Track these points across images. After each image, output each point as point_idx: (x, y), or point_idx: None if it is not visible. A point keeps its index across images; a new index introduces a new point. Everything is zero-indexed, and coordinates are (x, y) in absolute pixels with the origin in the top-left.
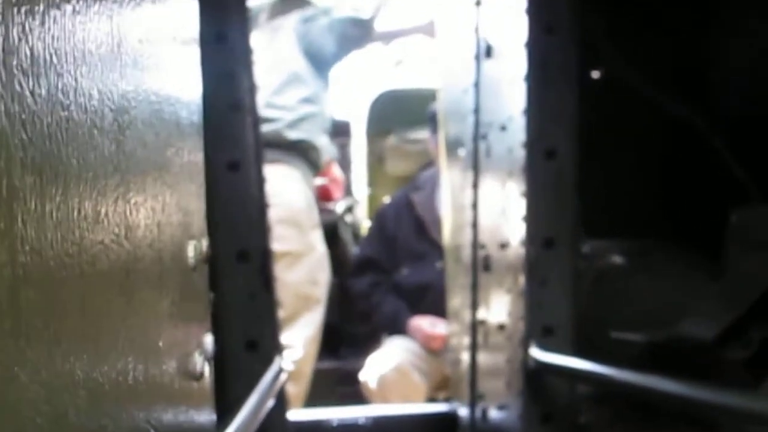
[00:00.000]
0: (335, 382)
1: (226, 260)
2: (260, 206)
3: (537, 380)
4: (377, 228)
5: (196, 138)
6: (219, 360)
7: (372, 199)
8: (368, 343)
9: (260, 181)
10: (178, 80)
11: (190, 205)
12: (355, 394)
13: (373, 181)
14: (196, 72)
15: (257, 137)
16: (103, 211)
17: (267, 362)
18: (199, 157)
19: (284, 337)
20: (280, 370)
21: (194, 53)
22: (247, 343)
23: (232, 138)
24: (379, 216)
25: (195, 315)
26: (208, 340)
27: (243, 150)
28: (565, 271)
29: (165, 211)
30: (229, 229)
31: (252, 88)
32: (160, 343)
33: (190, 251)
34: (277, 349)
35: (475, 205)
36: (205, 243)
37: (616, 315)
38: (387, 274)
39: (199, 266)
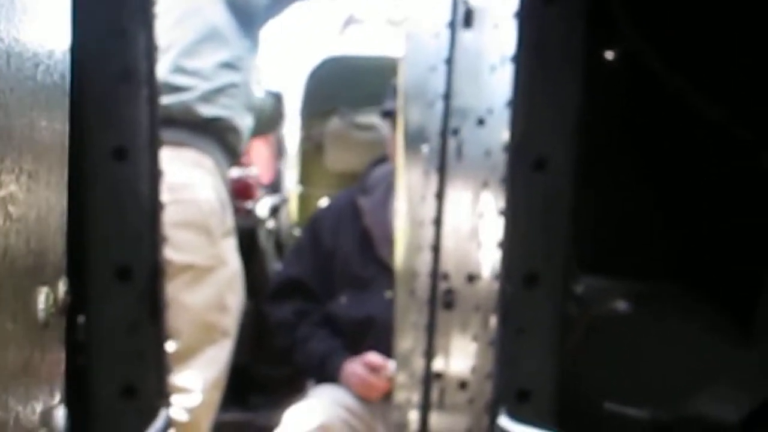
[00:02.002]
0: None
1: (101, 278)
2: (151, 208)
3: None
4: (309, 239)
5: (59, 118)
6: (86, 411)
7: (304, 199)
8: (287, 390)
9: (153, 174)
10: (41, 24)
11: (44, 225)
12: None
13: (306, 177)
14: (64, 17)
15: (153, 116)
16: None
17: (148, 414)
18: (60, 147)
19: (179, 378)
20: (167, 426)
21: None
22: (123, 389)
23: (118, 116)
24: (313, 224)
25: (41, 385)
26: (59, 415)
27: (133, 132)
28: (549, 318)
29: (5, 238)
30: (107, 237)
31: (150, 51)
32: None
33: (41, 302)
34: (162, 396)
35: (437, 222)
36: (62, 286)
37: (612, 380)
38: (318, 301)
39: (53, 321)
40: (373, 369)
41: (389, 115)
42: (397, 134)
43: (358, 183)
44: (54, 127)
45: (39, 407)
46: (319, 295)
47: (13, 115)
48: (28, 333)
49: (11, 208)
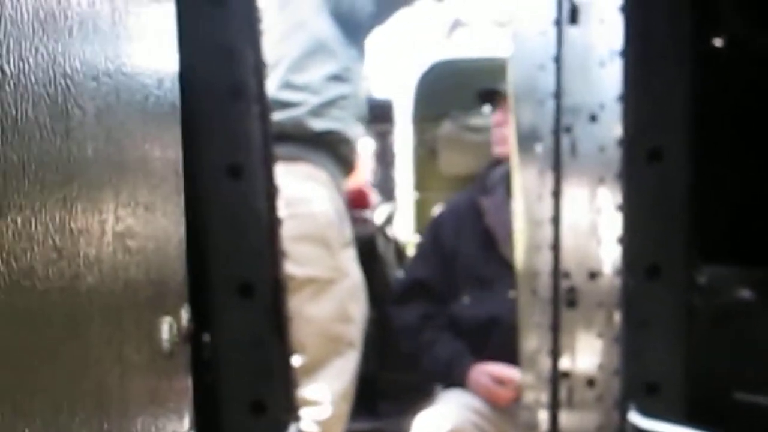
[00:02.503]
0: None
1: (224, 296)
2: (269, 223)
3: None
4: (431, 241)
5: (172, 146)
6: (217, 429)
7: (420, 205)
8: (416, 396)
9: (269, 190)
10: (149, 54)
11: (164, 255)
12: None
13: (421, 183)
14: (171, 43)
15: (266, 132)
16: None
17: (278, 429)
18: (174, 175)
19: (307, 391)
20: None
21: (169, 17)
22: (252, 405)
23: (232, 134)
24: (434, 226)
25: (170, 414)
26: None
27: (247, 149)
28: (673, 310)
29: (125, 271)
30: (228, 255)
31: (258, 68)
32: None
33: (165, 332)
34: (291, 410)
35: (555, 221)
36: (185, 315)
37: (742, 369)
38: (443, 303)
39: (177, 349)
40: (500, 382)
41: (490, 96)
42: (509, 133)
43: (477, 183)
44: (167, 156)
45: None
46: (443, 297)
47: (126, 149)
48: (154, 363)
49: (129, 242)
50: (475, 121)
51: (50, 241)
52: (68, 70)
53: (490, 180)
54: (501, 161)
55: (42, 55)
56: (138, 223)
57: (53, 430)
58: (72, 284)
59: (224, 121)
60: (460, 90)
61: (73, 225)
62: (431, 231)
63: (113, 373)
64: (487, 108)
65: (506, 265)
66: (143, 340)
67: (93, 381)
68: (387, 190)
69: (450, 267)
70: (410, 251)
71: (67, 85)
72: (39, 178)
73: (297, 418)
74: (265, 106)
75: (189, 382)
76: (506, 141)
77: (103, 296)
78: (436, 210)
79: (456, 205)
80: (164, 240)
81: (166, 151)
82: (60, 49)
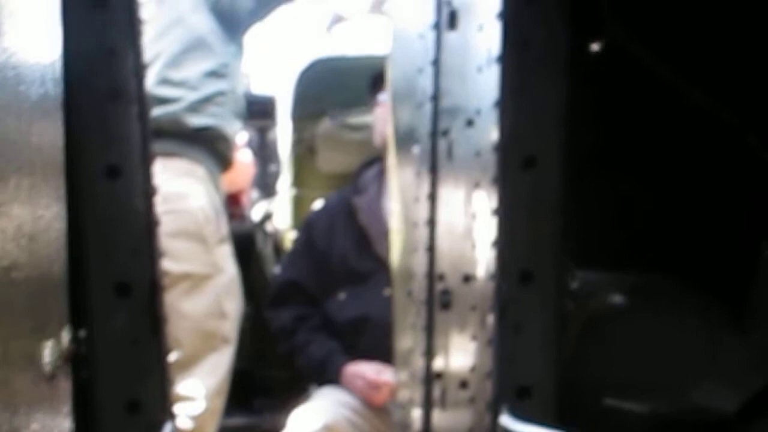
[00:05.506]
0: None
1: (100, 294)
2: (147, 224)
3: None
4: (304, 242)
5: (54, 143)
6: (91, 426)
7: (298, 202)
8: (290, 392)
9: (147, 190)
10: (31, 50)
11: (47, 274)
12: None
13: (299, 180)
14: (54, 40)
15: (144, 132)
16: None
17: (154, 429)
18: (56, 172)
19: (181, 387)
20: None
21: (53, 15)
22: (127, 404)
23: (110, 135)
24: (307, 226)
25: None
26: None
27: (125, 150)
28: (546, 314)
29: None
30: (105, 254)
31: (138, 68)
32: None
33: (47, 356)
34: (166, 409)
35: (431, 223)
36: (66, 336)
37: (611, 375)
38: (317, 303)
39: (60, 371)
40: (374, 386)
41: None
42: (387, 132)
43: (351, 184)
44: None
45: None
46: (317, 298)
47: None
48: (31, 388)
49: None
50: (354, 119)
51: None
52: None
53: (363, 179)
54: (373, 161)
55: None
56: (16, 241)
57: None
58: None
59: (103, 121)
60: (339, 88)
61: None
62: (304, 231)
63: None
64: (381, 95)
65: (381, 263)
66: (25, 365)
67: None
68: (266, 187)
69: (323, 266)
70: (288, 248)
71: None
72: None
73: (172, 417)
74: (145, 106)
75: (70, 401)
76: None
77: None
78: (314, 207)
79: (329, 204)
80: (46, 259)
81: (48, 150)
82: None
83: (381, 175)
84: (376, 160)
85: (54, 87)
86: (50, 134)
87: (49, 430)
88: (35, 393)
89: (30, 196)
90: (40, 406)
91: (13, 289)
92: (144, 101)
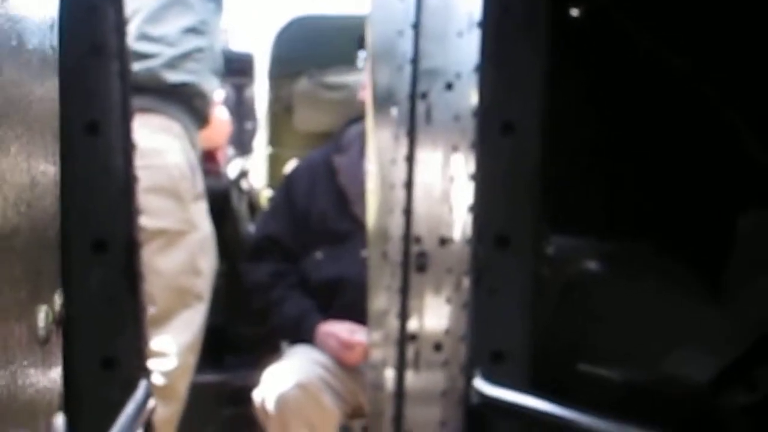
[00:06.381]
0: (219, 401)
1: (77, 251)
2: (125, 181)
3: (480, 420)
4: (284, 198)
5: (51, 99)
6: (66, 383)
7: (273, 160)
8: (263, 350)
9: (126, 147)
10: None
11: (41, 235)
12: (245, 418)
13: (275, 138)
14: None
15: (124, 90)
16: None
17: (129, 386)
18: (51, 128)
19: (154, 342)
20: (147, 396)
21: None
22: (103, 361)
23: (90, 91)
24: (287, 183)
25: (41, 397)
26: (59, 422)
27: (105, 107)
28: (522, 279)
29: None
30: (83, 211)
31: (119, 26)
32: None
33: (41, 320)
34: (141, 367)
35: (408, 185)
36: (58, 300)
37: (586, 341)
38: (294, 261)
39: (52, 334)
40: (348, 346)
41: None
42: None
43: (332, 142)
44: (43, 110)
45: (40, 418)
46: (294, 254)
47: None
48: (26, 353)
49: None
50: (332, 78)
51: None
52: None
53: (344, 139)
54: (356, 120)
55: None
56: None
57: None
58: None
59: (83, 78)
60: (318, 47)
61: None
62: (284, 188)
63: None
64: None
65: (359, 224)
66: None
67: None
68: (242, 144)
69: (302, 224)
70: (263, 206)
71: None
72: None
73: (147, 374)
74: (125, 64)
75: (60, 363)
76: None
77: None
78: (290, 166)
79: (310, 162)
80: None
81: (45, 110)
82: None
83: (364, 135)
84: (359, 118)
85: (51, 42)
86: (48, 92)
87: (43, 393)
88: (31, 357)
89: (28, 158)
90: (35, 370)
91: (14, 256)
92: (125, 58)
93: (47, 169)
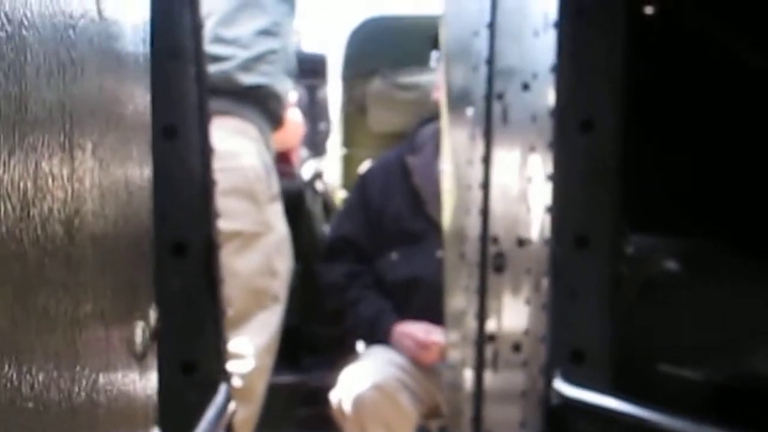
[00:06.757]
0: (296, 402)
1: (157, 255)
2: (203, 184)
3: (561, 421)
4: (358, 199)
5: (144, 105)
6: None
7: (348, 161)
8: (339, 351)
9: (204, 150)
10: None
11: (136, 245)
12: (322, 419)
13: (349, 139)
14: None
15: (201, 93)
16: None
17: (209, 390)
18: (144, 133)
19: (231, 345)
20: (227, 400)
21: None
22: (183, 365)
23: (168, 95)
24: (361, 183)
25: (139, 411)
26: None
27: (183, 110)
28: (601, 279)
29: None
30: (162, 214)
31: (196, 29)
32: None
33: (138, 336)
34: (221, 370)
35: (485, 186)
36: (153, 314)
37: (667, 341)
38: (369, 261)
39: (149, 350)
40: (424, 346)
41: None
42: (440, 92)
43: (405, 142)
44: (137, 114)
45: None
46: (369, 255)
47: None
48: (125, 370)
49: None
50: (406, 79)
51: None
52: (28, 16)
53: (418, 139)
54: (430, 120)
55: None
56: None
57: None
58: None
59: (161, 82)
60: (391, 47)
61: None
62: (358, 188)
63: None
64: (434, 55)
65: (433, 224)
66: (119, 349)
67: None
68: (316, 146)
69: (377, 224)
70: (338, 207)
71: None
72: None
73: (227, 378)
74: (202, 67)
75: (156, 378)
76: None
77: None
78: (364, 167)
79: (384, 162)
80: (135, 230)
81: (139, 114)
82: None
83: (438, 135)
84: (433, 118)
85: (144, 46)
86: (140, 95)
87: (141, 407)
88: (129, 373)
89: (125, 170)
90: (134, 385)
91: (115, 269)
92: (201, 61)
93: (142, 181)
